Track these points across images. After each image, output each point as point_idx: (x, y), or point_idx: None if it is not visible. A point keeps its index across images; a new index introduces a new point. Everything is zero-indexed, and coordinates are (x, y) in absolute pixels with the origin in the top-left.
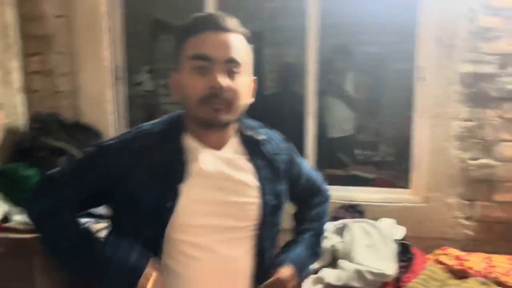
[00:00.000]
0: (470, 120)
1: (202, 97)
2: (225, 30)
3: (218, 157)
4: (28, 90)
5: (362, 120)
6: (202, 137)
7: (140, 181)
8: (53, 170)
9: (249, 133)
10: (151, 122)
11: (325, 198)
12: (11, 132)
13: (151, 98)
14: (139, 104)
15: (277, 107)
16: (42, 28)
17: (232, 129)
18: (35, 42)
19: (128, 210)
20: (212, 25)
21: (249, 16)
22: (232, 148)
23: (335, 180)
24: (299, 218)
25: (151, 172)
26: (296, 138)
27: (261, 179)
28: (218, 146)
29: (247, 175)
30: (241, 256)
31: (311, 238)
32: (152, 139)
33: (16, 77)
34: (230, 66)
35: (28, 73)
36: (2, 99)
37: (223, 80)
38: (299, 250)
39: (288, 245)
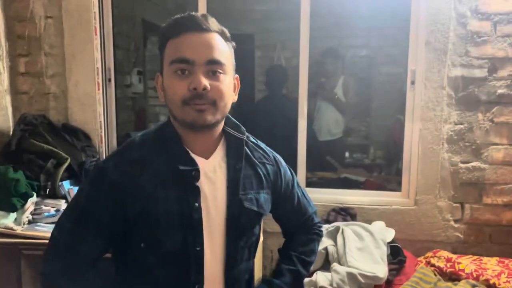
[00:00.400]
0: (460, 124)
1: (184, 99)
2: (205, 30)
3: (203, 172)
4: (16, 91)
5: (352, 123)
6: (190, 143)
7: (150, 190)
8: (59, 226)
9: (236, 134)
10: (140, 133)
11: (314, 235)
12: None
13: (139, 101)
14: (127, 107)
15: (267, 109)
16: (31, 29)
17: (218, 132)
18: (24, 43)
19: (144, 230)
20: (192, 26)
21: (241, 18)
22: (219, 157)
23: (325, 183)
24: (283, 253)
25: (159, 178)
26: (286, 140)
27: (232, 181)
28: (206, 153)
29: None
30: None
31: (292, 278)
32: (149, 147)
33: (4, 78)
34: (212, 67)
35: (16, 74)
36: None
37: (205, 81)
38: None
39: (270, 281)
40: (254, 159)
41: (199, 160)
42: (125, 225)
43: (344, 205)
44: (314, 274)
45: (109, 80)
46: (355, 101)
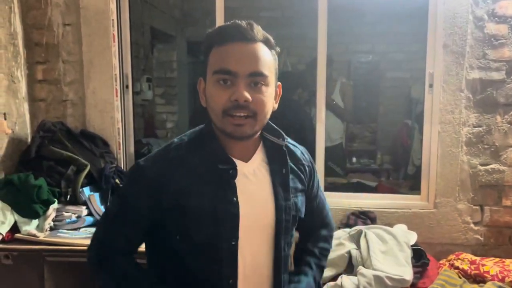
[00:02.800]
0: (478, 126)
1: (225, 109)
2: (249, 40)
3: (241, 172)
4: (34, 98)
5: (356, 128)
6: (229, 147)
7: (186, 185)
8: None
9: (275, 140)
10: (178, 137)
11: (331, 231)
12: (17, 141)
13: (148, 107)
14: (137, 114)
15: (278, 116)
16: (49, 36)
17: (258, 138)
18: (42, 50)
19: (178, 223)
20: (237, 35)
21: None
22: (258, 160)
23: (336, 188)
24: (305, 249)
25: (195, 174)
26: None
27: (279, 186)
28: (245, 157)
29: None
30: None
31: (318, 272)
32: (186, 147)
33: (22, 86)
34: (255, 79)
35: (34, 82)
36: (9, 108)
37: (247, 94)
38: (309, 283)
39: (297, 277)
40: (293, 161)
41: (237, 162)
42: (161, 218)
43: (363, 208)
44: (339, 278)
45: (127, 86)
46: (359, 106)
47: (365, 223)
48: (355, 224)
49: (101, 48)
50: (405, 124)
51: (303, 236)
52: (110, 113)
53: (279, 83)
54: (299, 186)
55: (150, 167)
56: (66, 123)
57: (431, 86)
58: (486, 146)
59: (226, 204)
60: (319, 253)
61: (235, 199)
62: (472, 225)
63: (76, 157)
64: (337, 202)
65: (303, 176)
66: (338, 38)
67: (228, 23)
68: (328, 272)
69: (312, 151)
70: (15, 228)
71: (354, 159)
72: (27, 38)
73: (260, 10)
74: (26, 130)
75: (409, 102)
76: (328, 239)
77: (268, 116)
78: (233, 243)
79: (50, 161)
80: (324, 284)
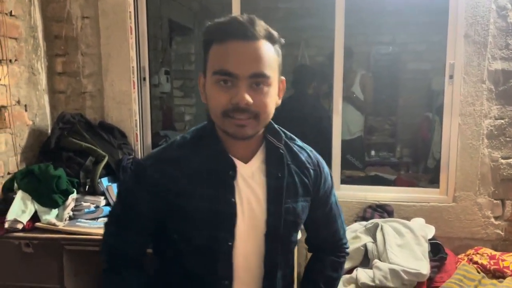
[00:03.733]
0: (500, 118)
1: (225, 111)
2: (251, 38)
3: (240, 174)
4: (54, 91)
5: (376, 121)
6: (230, 146)
7: (185, 186)
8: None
9: (275, 142)
10: (180, 135)
11: (342, 255)
12: (38, 132)
13: (167, 100)
14: (155, 106)
15: (294, 109)
16: (68, 29)
17: (259, 137)
18: (61, 43)
19: (176, 223)
20: (238, 33)
21: (264, 17)
22: (258, 162)
23: (354, 181)
24: (310, 278)
25: (195, 175)
26: (315, 140)
27: (272, 192)
28: (245, 158)
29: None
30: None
31: None
32: (187, 146)
33: (43, 78)
34: (256, 80)
35: (53, 74)
36: (29, 100)
37: (248, 96)
38: None
39: None
40: (296, 164)
41: (237, 163)
42: (162, 217)
43: (380, 202)
44: (354, 271)
45: (144, 79)
46: (378, 98)
47: (382, 217)
48: (372, 217)
49: (119, 41)
50: (425, 116)
51: (311, 254)
52: (128, 105)
53: (283, 78)
54: (301, 190)
55: (150, 166)
56: (85, 114)
57: (451, 77)
58: (508, 139)
59: (224, 205)
60: (324, 285)
61: (233, 200)
62: (492, 220)
63: (95, 148)
64: (354, 195)
65: (306, 181)
66: (357, 29)
67: (228, 18)
68: None
69: (328, 144)
70: (35, 217)
71: (373, 152)
72: (47, 31)
73: (277, 1)
74: (46, 121)
75: (430, 94)
76: (337, 266)
77: (271, 115)
78: (230, 243)
79: (69, 152)
80: None
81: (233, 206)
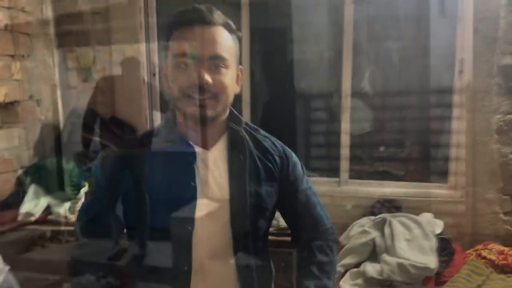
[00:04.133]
0: (510, 114)
1: (186, 92)
2: (209, 24)
3: (201, 160)
4: (66, 86)
5: (385, 117)
6: (191, 133)
7: (145, 172)
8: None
9: (234, 126)
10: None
11: (329, 238)
12: (50, 127)
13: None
14: (165, 101)
15: (304, 104)
16: (79, 25)
17: (221, 125)
18: (73, 38)
19: (138, 207)
20: (196, 19)
21: (273, 12)
22: (220, 148)
23: (362, 177)
24: (302, 269)
25: (155, 161)
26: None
27: (234, 177)
28: (207, 145)
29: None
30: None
31: None
32: (150, 134)
33: (55, 73)
34: (215, 62)
35: (65, 69)
36: (41, 95)
37: (208, 76)
38: None
39: None
40: (260, 150)
41: (198, 149)
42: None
43: (389, 196)
44: (362, 265)
45: (154, 74)
46: (387, 94)
47: (390, 211)
48: (380, 212)
49: (130, 36)
50: (434, 112)
51: (298, 247)
52: (137, 101)
53: (241, 66)
54: (264, 175)
55: (116, 152)
56: (96, 110)
57: (461, 72)
58: None
59: (184, 189)
60: (318, 271)
61: (193, 184)
62: (501, 215)
63: (106, 142)
64: (363, 190)
65: (270, 165)
66: (367, 24)
67: (188, 7)
68: (351, 259)
69: (337, 139)
70: (47, 210)
71: (382, 148)
72: (58, 27)
73: None
74: (58, 116)
75: (439, 90)
76: (325, 249)
77: (231, 99)
78: (189, 228)
79: (80, 146)
80: (347, 271)
81: (193, 191)
